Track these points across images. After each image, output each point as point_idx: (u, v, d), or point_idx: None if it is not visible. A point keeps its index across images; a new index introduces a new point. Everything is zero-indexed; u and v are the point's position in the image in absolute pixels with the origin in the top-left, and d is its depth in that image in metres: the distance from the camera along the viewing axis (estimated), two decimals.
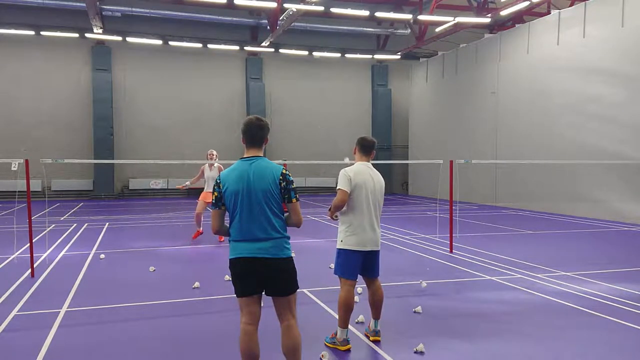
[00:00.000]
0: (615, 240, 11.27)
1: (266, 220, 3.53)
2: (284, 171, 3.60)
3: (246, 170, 3.54)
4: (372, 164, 4.90)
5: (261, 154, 3.67)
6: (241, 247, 3.54)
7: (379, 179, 4.80)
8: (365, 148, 4.83)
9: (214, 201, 3.59)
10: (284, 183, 3.57)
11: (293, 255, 3.79)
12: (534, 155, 16.63)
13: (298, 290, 3.81)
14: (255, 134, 3.61)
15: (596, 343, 4.84)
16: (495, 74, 19.38)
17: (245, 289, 3.59)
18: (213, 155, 10.90)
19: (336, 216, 4.83)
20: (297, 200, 3.66)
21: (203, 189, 11.04)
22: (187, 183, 11.11)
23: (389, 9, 22.91)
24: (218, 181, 3.56)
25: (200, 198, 10.84)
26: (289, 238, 3.68)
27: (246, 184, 3.51)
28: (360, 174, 4.68)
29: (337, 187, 4.69)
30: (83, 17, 20.06)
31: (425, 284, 6.96)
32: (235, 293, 3.65)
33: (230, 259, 3.63)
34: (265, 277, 3.57)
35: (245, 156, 3.64)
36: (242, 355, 3.62)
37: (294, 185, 3.65)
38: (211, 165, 10.86)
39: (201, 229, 10.93)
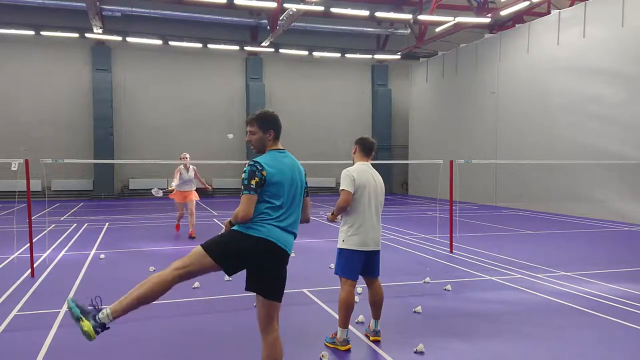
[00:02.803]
0: (615, 240, 11.27)
1: (298, 214, 3.56)
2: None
3: (289, 161, 3.55)
4: (372, 164, 4.91)
5: None
6: (277, 233, 3.38)
7: (379, 179, 4.82)
8: (367, 149, 4.84)
9: (253, 186, 3.32)
10: (305, 179, 3.68)
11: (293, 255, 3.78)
12: (534, 155, 16.62)
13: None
14: (281, 126, 3.64)
15: (596, 343, 4.84)
16: (495, 74, 19.38)
17: (259, 279, 3.38)
18: (187, 157, 11.22)
19: (338, 219, 4.83)
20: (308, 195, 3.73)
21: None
22: (173, 185, 11.22)
23: (389, 9, 22.92)
24: (259, 167, 3.36)
25: (178, 200, 11.53)
26: None
27: (290, 175, 3.49)
28: (363, 174, 4.69)
29: (341, 188, 4.69)
30: (83, 17, 20.05)
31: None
32: (217, 256, 3.39)
33: (252, 236, 3.34)
34: (278, 274, 3.44)
35: (279, 148, 3.60)
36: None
37: None
38: (187, 167, 11.30)
39: (180, 224, 12.23)
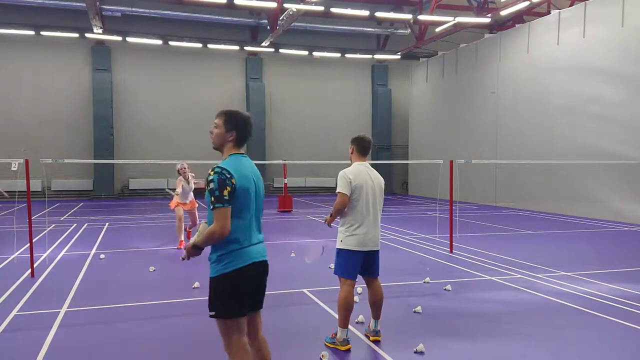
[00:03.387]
0: (615, 240, 11.27)
1: (260, 222, 3.37)
2: None
3: (250, 165, 3.28)
4: (372, 164, 4.90)
5: None
6: (255, 250, 3.23)
7: (377, 179, 4.81)
8: (363, 149, 4.83)
9: (227, 197, 3.02)
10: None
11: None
12: (534, 155, 16.62)
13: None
14: (250, 133, 3.38)
15: (596, 343, 4.84)
16: (495, 74, 19.38)
17: (252, 299, 3.28)
18: (185, 168, 10.23)
19: (338, 218, 4.82)
20: None
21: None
22: (178, 191, 10.30)
23: (389, 9, 22.91)
24: (228, 175, 3.06)
25: (178, 210, 10.28)
26: None
27: (254, 180, 3.24)
28: (360, 175, 4.68)
29: (337, 190, 4.69)
30: (83, 17, 20.05)
31: None
32: (235, 312, 3.18)
33: (238, 268, 3.15)
34: (264, 285, 3.38)
35: (240, 152, 3.32)
36: None
37: None
38: (187, 179, 10.26)
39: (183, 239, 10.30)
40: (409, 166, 26.06)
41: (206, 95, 24.20)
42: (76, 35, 21.25)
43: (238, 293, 3.17)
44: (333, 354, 4.52)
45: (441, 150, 21.51)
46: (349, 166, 4.82)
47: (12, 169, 7.67)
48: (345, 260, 4.68)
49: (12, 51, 21.78)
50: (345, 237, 4.67)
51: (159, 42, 22.17)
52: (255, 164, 3.44)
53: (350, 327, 4.88)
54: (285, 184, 17.83)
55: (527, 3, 17.22)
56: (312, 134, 25.54)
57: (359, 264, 4.70)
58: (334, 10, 19.15)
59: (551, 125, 16.53)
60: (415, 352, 4.52)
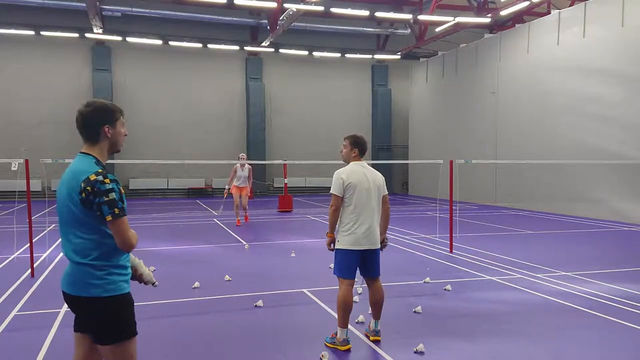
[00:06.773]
0: (615, 240, 11.27)
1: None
2: (93, 177, 2.61)
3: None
4: (373, 164, 4.92)
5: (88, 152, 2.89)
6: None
7: (374, 177, 4.78)
8: (361, 150, 4.85)
9: (125, 205, 2.70)
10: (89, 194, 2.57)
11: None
12: (534, 155, 16.62)
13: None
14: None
15: (596, 343, 4.84)
16: (495, 74, 19.38)
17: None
18: (244, 157, 13.40)
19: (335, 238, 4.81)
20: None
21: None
22: (226, 188, 13.28)
23: (389, 9, 22.92)
24: (118, 181, 2.74)
25: (234, 192, 13.14)
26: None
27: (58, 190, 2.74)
28: (354, 174, 4.69)
29: (330, 192, 4.72)
30: (83, 17, 20.06)
31: None
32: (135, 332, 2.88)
33: (128, 287, 2.91)
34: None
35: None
36: None
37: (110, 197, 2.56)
38: (242, 165, 13.03)
39: (240, 219, 13.42)
40: (409, 166, 26.06)
41: (206, 95, 24.21)
42: (76, 35, 21.24)
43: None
44: (333, 354, 4.52)
45: (441, 150, 21.51)
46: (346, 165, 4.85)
47: (12, 168, 7.67)
48: (342, 260, 4.68)
49: (12, 51, 21.77)
50: (341, 237, 4.68)
51: (159, 42, 22.17)
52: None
53: (350, 327, 4.88)
54: (285, 184, 17.82)
55: (527, 3, 17.22)
56: (312, 134, 25.54)
57: (356, 263, 4.70)
58: (334, 10, 19.15)
59: (551, 125, 16.53)
60: (415, 352, 4.53)
